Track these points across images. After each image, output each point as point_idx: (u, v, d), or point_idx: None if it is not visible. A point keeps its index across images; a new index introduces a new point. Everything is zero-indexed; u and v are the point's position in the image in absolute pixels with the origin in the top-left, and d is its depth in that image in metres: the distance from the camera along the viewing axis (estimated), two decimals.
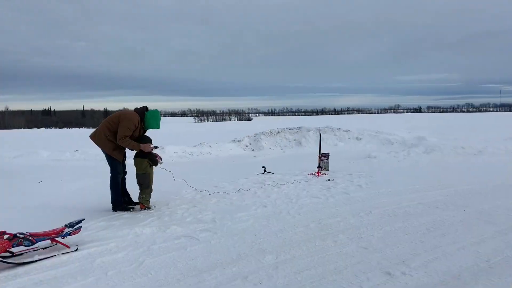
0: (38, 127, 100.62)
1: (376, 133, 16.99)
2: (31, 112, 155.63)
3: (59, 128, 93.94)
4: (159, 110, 6.02)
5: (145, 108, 5.95)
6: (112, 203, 5.93)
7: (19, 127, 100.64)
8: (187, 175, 9.05)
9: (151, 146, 5.87)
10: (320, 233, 4.55)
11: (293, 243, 4.24)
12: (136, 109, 5.93)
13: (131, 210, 5.87)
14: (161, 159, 6.12)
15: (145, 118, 5.86)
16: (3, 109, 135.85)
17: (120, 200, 5.95)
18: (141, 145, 5.76)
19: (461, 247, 4.02)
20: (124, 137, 5.64)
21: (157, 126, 5.97)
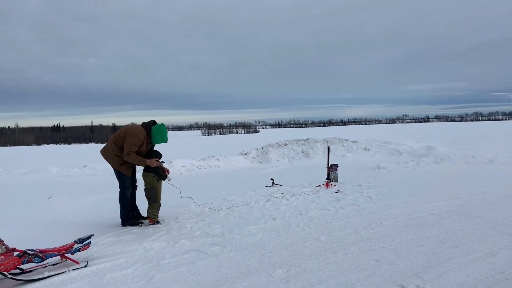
0: (48, 144, 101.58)
1: (384, 143, 16.90)
2: (40, 128, 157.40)
3: (68, 144, 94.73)
4: (166, 123, 6.01)
5: (152, 123, 5.96)
6: (121, 218, 5.92)
7: (28, 144, 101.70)
8: (195, 189, 9.04)
9: (157, 161, 5.87)
10: (331, 246, 4.49)
11: (304, 256, 4.19)
12: (143, 124, 5.95)
13: (140, 224, 5.86)
14: (168, 173, 6.11)
15: (151, 132, 5.87)
16: (13, 126, 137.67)
17: (129, 215, 5.95)
18: (147, 160, 5.77)
19: (475, 259, 3.94)
20: (130, 153, 5.65)
21: (163, 141, 5.95)
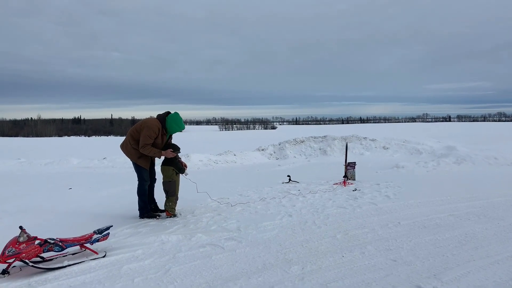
0: (69, 135, 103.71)
1: (403, 142, 16.65)
2: (62, 120, 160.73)
3: (88, 136, 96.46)
4: (184, 118, 6.05)
5: (166, 114, 5.99)
6: (139, 210, 6.00)
7: (50, 135, 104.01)
8: (211, 183, 9.10)
9: (172, 151, 5.89)
10: (347, 244, 4.46)
11: (320, 253, 4.17)
12: (158, 116, 6.00)
13: (157, 217, 5.93)
14: (186, 167, 6.16)
15: (166, 123, 5.91)
16: (36, 118, 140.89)
17: (147, 208, 6.02)
18: (163, 151, 5.82)
19: (495, 261, 3.86)
20: (145, 145, 5.71)
21: (179, 129, 5.96)
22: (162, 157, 5.96)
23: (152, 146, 5.76)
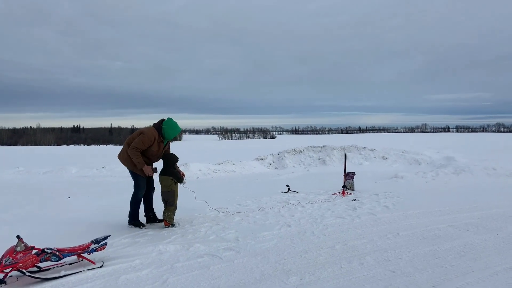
0: (67, 144, 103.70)
1: (402, 152, 16.67)
2: (61, 129, 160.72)
3: (87, 145, 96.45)
4: (183, 127, 6.10)
5: (161, 121, 6.03)
6: (128, 216, 6.01)
7: (49, 144, 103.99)
8: (210, 193, 9.07)
9: (154, 169, 5.95)
10: (346, 255, 4.44)
11: (318, 264, 4.15)
12: (153, 125, 6.03)
13: (142, 227, 5.90)
14: (184, 176, 6.16)
15: (162, 130, 5.94)
16: (35, 126, 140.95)
17: (136, 216, 6.01)
18: (145, 165, 5.83)
19: (494, 273, 3.84)
20: (136, 149, 5.74)
21: (177, 132, 6.02)
22: (160, 167, 5.97)
23: (146, 154, 5.81)
